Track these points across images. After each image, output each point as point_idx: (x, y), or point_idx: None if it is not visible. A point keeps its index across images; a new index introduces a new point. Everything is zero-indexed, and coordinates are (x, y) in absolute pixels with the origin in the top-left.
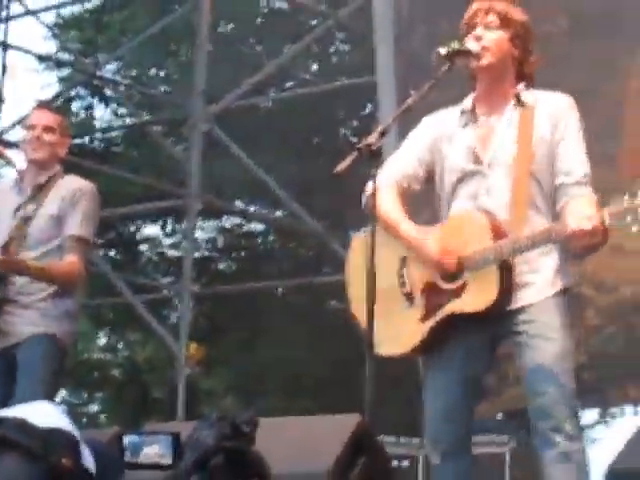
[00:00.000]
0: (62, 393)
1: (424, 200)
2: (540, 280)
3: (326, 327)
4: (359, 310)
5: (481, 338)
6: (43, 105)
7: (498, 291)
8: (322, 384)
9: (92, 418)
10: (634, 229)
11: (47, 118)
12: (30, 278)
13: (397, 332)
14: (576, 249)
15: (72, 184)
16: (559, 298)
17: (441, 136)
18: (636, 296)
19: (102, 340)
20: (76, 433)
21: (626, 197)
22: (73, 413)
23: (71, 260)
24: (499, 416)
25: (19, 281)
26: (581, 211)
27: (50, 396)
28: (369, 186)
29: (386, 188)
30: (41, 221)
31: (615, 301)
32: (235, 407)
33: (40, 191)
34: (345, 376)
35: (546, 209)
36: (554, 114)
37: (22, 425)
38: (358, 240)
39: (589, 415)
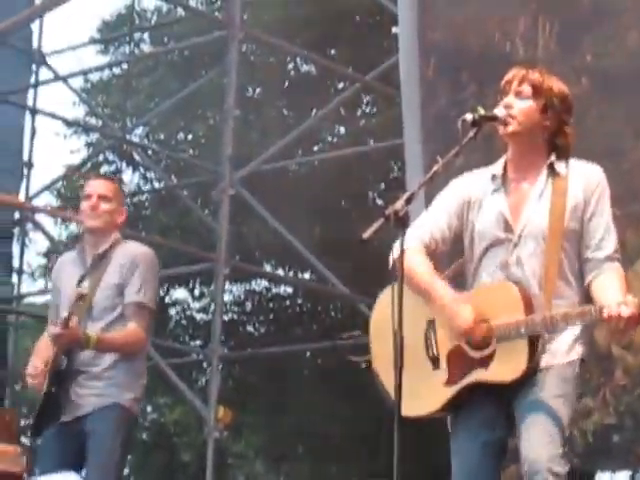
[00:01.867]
0: None
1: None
2: (556, 348)
3: (355, 388)
4: (381, 367)
5: (498, 403)
6: (99, 175)
7: (527, 364)
8: (351, 447)
9: None
10: None
11: (103, 187)
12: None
13: (419, 394)
14: (612, 331)
15: (131, 251)
16: (571, 367)
17: (470, 200)
18: None
19: None
20: None
21: None
22: None
23: (133, 328)
24: None
25: (85, 352)
26: (614, 294)
27: (120, 466)
28: (396, 247)
29: (415, 249)
30: (104, 291)
31: None
32: (264, 471)
33: (101, 260)
34: (374, 438)
35: (575, 282)
36: (587, 186)
37: None
38: (383, 297)
39: (620, 477)
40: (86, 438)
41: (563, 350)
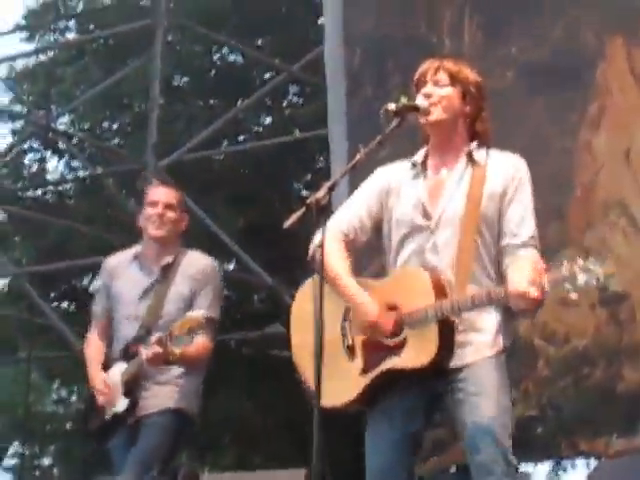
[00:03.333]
0: (14, 446)
1: (374, 251)
2: (480, 340)
3: (280, 378)
4: (300, 358)
5: (420, 396)
6: (162, 181)
7: (437, 349)
8: (274, 437)
9: (45, 471)
10: (572, 296)
11: (168, 195)
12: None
13: (337, 384)
14: (515, 311)
15: (199, 262)
16: (498, 357)
17: (390, 188)
18: (587, 349)
19: (54, 393)
20: None
21: (565, 263)
22: (26, 466)
23: (203, 342)
24: (453, 469)
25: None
26: (523, 275)
27: (164, 461)
28: (316, 237)
29: (332, 239)
30: (175, 302)
31: (566, 353)
32: (188, 461)
33: (169, 271)
34: (297, 429)
35: (492, 268)
36: (506, 175)
37: None
38: (302, 289)
39: (542, 468)
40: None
41: (488, 341)
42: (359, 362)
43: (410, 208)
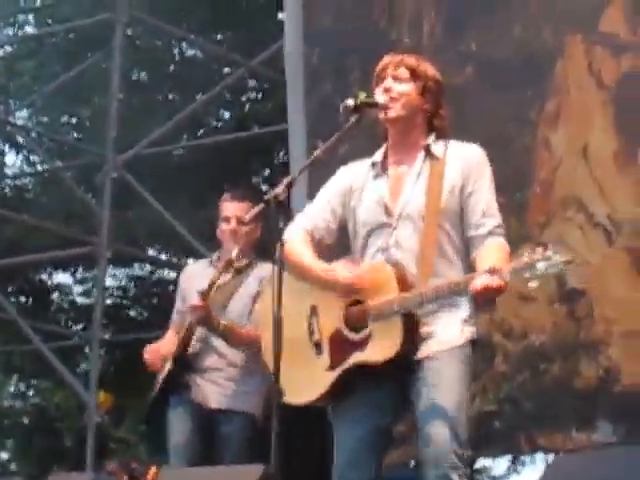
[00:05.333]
0: None
1: (341, 250)
2: (444, 331)
3: None
4: (269, 357)
5: (388, 388)
6: (234, 195)
7: (401, 342)
8: None
9: (3, 465)
10: (532, 284)
11: (240, 209)
12: (217, 335)
13: (304, 381)
14: (477, 301)
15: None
16: (463, 349)
17: (352, 188)
18: (544, 344)
19: (12, 387)
20: None
21: (526, 253)
22: None
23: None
24: (412, 463)
25: (215, 357)
26: (485, 265)
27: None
28: (288, 235)
29: (297, 239)
30: (241, 300)
31: (524, 348)
32: (147, 456)
33: (240, 273)
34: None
35: (458, 260)
36: (465, 166)
37: None
38: (267, 289)
39: (501, 463)
40: (219, 437)
41: (453, 333)
42: (326, 358)
43: (372, 207)
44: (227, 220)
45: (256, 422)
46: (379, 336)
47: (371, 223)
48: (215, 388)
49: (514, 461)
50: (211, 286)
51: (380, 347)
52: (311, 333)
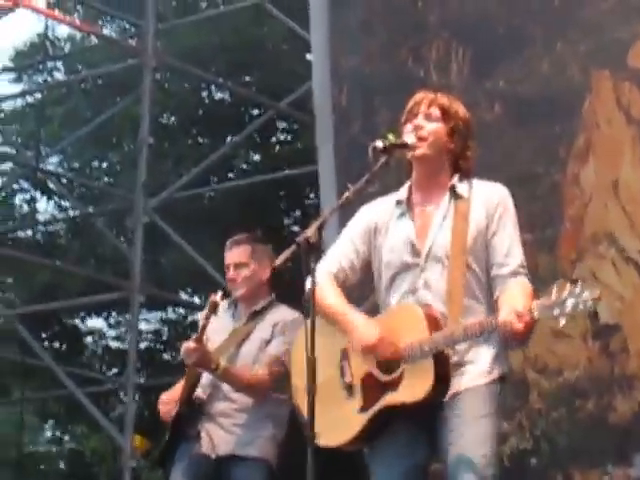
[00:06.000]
0: None
1: (366, 289)
2: (475, 369)
3: None
4: (301, 400)
5: (420, 427)
6: (232, 242)
7: (433, 382)
8: None
9: None
10: (561, 322)
11: (236, 256)
12: (216, 378)
13: (337, 423)
14: (507, 340)
15: (285, 316)
16: (492, 386)
17: (376, 227)
18: (579, 380)
19: (48, 433)
20: None
21: (554, 290)
22: None
23: (262, 374)
24: None
25: (224, 396)
26: (512, 304)
27: None
28: (308, 280)
29: (325, 283)
30: (254, 344)
31: (559, 385)
32: None
33: (256, 316)
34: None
35: (485, 299)
36: (489, 206)
37: None
38: (300, 334)
39: None
40: None
41: (483, 371)
42: (358, 400)
43: (399, 247)
44: (227, 268)
45: (270, 469)
46: (411, 377)
47: (397, 263)
48: (223, 434)
49: None
50: (202, 329)
51: (412, 388)
52: (343, 375)
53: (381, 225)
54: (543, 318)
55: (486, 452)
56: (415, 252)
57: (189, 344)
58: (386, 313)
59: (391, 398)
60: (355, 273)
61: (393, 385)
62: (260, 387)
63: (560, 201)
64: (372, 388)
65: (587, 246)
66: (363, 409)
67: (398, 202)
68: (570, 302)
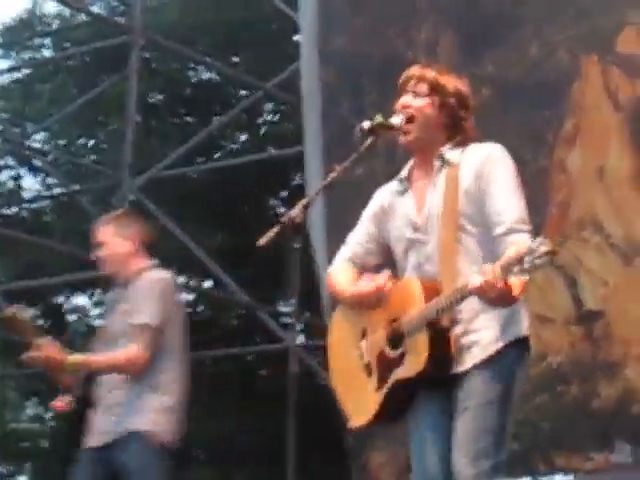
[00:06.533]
0: None
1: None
2: (484, 336)
3: (255, 395)
4: (334, 383)
5: (440, 400)
6: (100, 222)
7: (427, 354)
8: (250, 455)
9: None
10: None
11: (96, 236)
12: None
13: (360, 404)
14: (486, 303)
15: (145, 282)
16: (505, 354)
17: (385, 209)
18: (562, 365)
19: (30, 410)
20: None
21: (513, 248)
22: None
23: (130, 348)
24: None
25: (106, 379)
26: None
27: None
28: (330, 268)
29: (335, 269)
30: (117, 317)
31: (543, 370)
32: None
33: (126, 288)
34: (273, 447)
35: (491, 259)
36: (478, 165)
37: None
38: (334, 318)
39: None
40: (118, 472)
41: (492, 338)
42: (374, 379)
43: (402, 224)
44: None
45: (154, 440)
46: (411, 350)
47: (404, 240)
48: (103, 418)
49: None
50: (31, 340)
51: (412, 362)
52: (361, 356)
53: (387, 205)
54: (506, 276)
55: (485, 445)
56: (415, 227)
57: (25, 355)
58: (390, 291)
59: (397, 374)
60: (372, 255)
61: (399, 360)
62: (130, 362)
63: (547, 187)
64: (384, 366)
65: (572, 232)
66: (379, 388)
67: (400, 180)
68: (528, 258)
